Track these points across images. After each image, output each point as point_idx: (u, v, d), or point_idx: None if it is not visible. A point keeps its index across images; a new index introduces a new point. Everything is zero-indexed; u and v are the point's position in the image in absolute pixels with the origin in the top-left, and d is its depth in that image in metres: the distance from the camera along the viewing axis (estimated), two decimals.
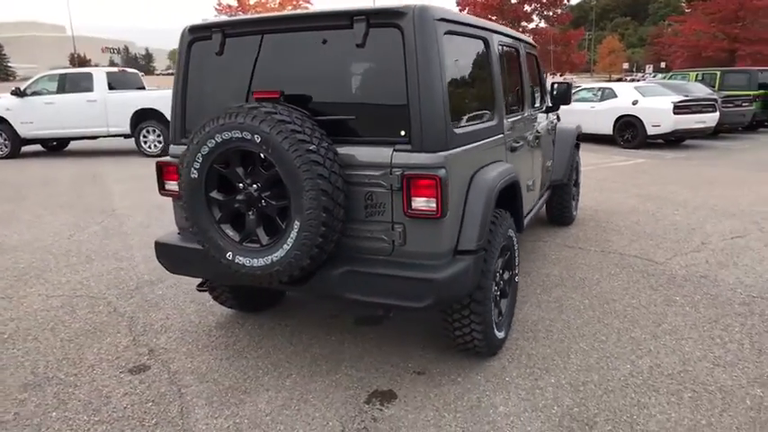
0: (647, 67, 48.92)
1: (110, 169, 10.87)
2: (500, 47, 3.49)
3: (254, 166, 2.58)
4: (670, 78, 16.36)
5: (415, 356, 3.23)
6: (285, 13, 2.78)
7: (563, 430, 2.56)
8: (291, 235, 2.49)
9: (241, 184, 2.61)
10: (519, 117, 3.78)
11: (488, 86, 3.26)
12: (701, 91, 13.21)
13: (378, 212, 2.63)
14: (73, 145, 14.31)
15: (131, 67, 24.82)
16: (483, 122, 3.10)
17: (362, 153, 2.60)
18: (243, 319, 3.82)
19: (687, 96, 11.93)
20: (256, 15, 2.93)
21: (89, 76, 12.83)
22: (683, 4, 64.42)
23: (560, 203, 5.59)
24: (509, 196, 3.20)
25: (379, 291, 2.61)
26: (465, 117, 2.89)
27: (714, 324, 3.56)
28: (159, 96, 12.56)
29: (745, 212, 6.33)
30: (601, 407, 2.72)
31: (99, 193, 8.54)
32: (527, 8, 25.21)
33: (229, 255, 2.67)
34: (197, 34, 2.99)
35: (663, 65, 46.43)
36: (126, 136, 12.70)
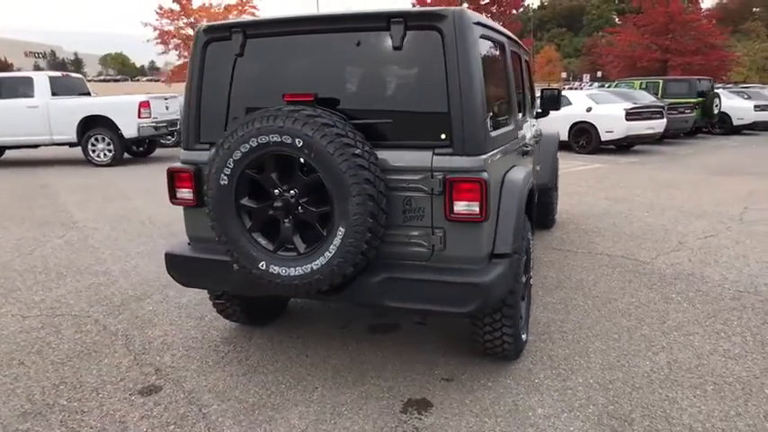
0: (585, 76, 51.10)
1: (57, 180, 10.27)
2: (511, 51, 3.53)
3: (292, 171, 2.48)
4: (616, 87, 17.12)
5: (440, 363, 3.19)
6: (316, 13, 2.70)
7: (604, 428, 2.58)
8: (334, 242, 2.41)
9: (277, 190, 2.50)
10: (526, 122, 3.83)
11: (506, 91, 3.28)
12: (646, 99, 13.90)
13: (416, 217, 2.58)
14: (8, 155, 13.42)
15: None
16: (505, 126, 3.12)
17: (400, 157, 2.55)
18: (248, 332, 3.66)
19: (637, 104, 12.52)
20: (283, 15, 2.83)
21: (29, 81, 12.06)
22: (615, 17, 67.99)
23: (544, 207, 5.70)
24: (529, 199, 3.23)
25: (420, 297, 2.55)
26: (494, 121, 2.90)
27: (714, 319, 3.71)
28: (108, 103, 12.01)
29: (710, 213, 6.67)
30: (633, 403, 2.76)
31: (52, 205, 8.02)
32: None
33: (262, 264, 2.55)
34: (214, 35, 2.85)
35: (599, 74, 48.60)
36: (72, 144, 12.04)
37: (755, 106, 16.35)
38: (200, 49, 2.88)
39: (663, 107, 12.80)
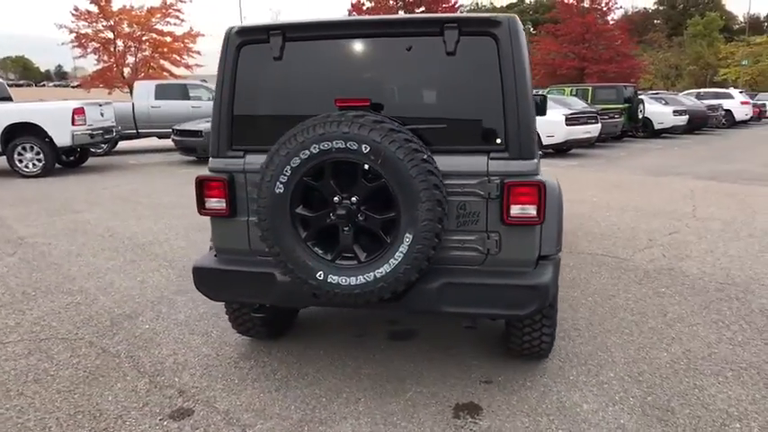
0: None
1: None
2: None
3: (354, 178, 2.42)
4: (549, 93, 17.95)
5: (473, 366, 3.21)
6: (364, 18, 2.65)
7: (650, 418, 2.70)
8: (401, 249, 2.37)
9: (336, 198, 2.43)
10: None
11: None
12: (579, 105, 14.68)
13: (471, 222, 2.59)
14: None
15: None
16: None
17: (455, 162, 2.55)
18: (265, 347, 3.52)
19: (574, 109, 13.20)
20: (326, 18, 2.76)
21: None
22: (531, 27, 71.32)
23: None
24: None
25: (480, 302, 2.57)
26: None
27: (707, 310, 3.97)
28: (38, 109, 11.17)
29: (665, 212, 7.14)
30: (668, 393, 2.91)
31: None
32: None
33: (320, 275, 2.47)
34: (248, 37, 2.73)
35: None
36: None
37: (674, 111, 17.73)
38: (232, 51, 2.75)
39: (596, 113, 13.58)
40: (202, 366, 3.29)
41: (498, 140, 2.55)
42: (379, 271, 2.41)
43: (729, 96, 23.28)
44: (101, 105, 12.09)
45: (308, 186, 2.45)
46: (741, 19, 58.31)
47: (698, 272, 4.76)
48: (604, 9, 36.05)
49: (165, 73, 30.99)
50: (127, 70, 29.41)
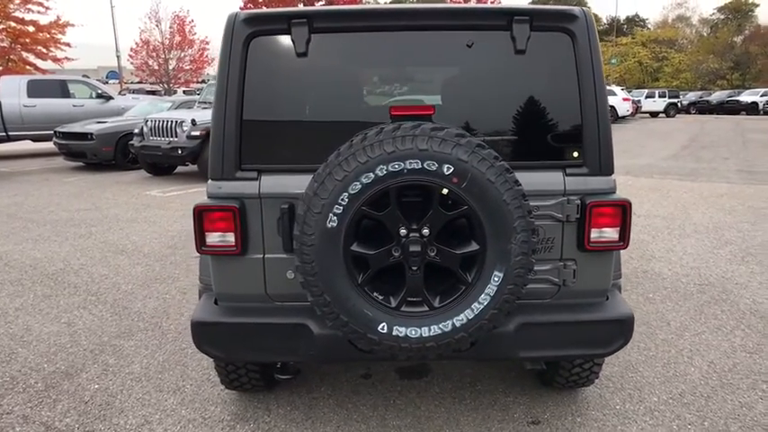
0: None
1: None
2: None
3: (426, 205, 1.94)
4: None
5: (510, 405, 2.85)
6: (412, 6, 2.15)
7: None
8: (487, 290, 1.94)
9: (403, 230, 1.94)
10: None
11: None
12: None
13: (545, 249, 2.22)
14: None
15: None
16: None
17: (526, 180, 2.13)
18: (261, 402, 2.91)
19: None
20: (364, 6, 2.22)
21: None
22: None
23: None
24: None
25: (560, 343, 2.21)
26: None
27: (702, 314, 3.95)
28: None
29: None
30: (719, 414, 2.75)
31: None
32: None
33: (382, 327, 1.97)
34: (260, 26, 2.14)
35: None
36: None
37: None
38: (238, 45, 2.14)
39: None
40: None
41: (575, 154, 2.19)
42: (459, 318, 1.96)
43: (613, 93, 25.10)
44: None
45: (367, 218, 1.94)
46: (605, 21, 63.76)
47: (671, 273, 4.79)
48: None
49: (28, 67, 27.73)
50: None
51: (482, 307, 1.95)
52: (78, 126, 11.45)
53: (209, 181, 2.23)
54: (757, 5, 55.64)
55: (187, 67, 35.19)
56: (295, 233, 1.93)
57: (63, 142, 11.36)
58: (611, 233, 2.20)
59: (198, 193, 8.73)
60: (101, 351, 3.51)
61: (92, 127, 11.21)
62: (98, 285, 4.69)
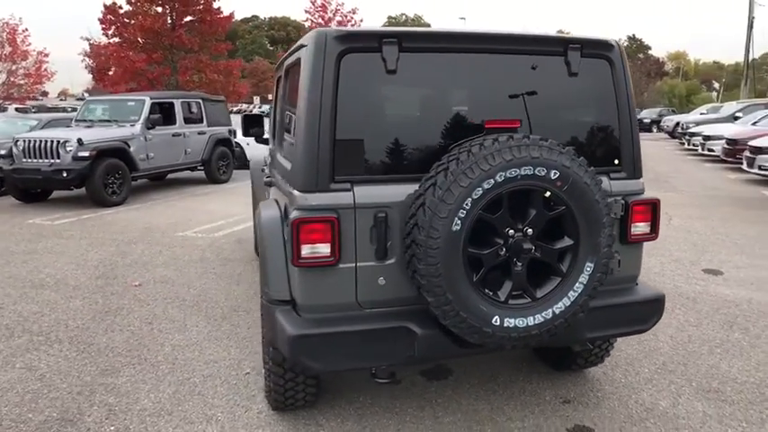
0: (255, 98, 53.90)
1: None
2: None
3: (530, 207, 2.17)
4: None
5: (537, 390, 3.15)
6: (487, 30, 2.36)
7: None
8: (581, 279, 2.23)
9: (511, 230, 2.15)
10: None
11: None
12: None
13: None
14: None
15: None
16: None
17: None
18: (308, 419, 2.88)
19: None
20: (447, 29, 2.38)
21: None
22: (267, 43, 72.75)
23: None
24: None
25: (613, 323, 2.57)
26: None
27: (704, 326, 4.05)
28: None
29: None
30: (699, 375, 3.29)
31: None
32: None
33: (495, 320, 2.15)
34: (352, 44, 2.22)
35: (269, 97, 51.90)
36: None
37: None
38: (331, 61, 2.20)
39: None
40: None
41: (616, 161, 2.58)
42: (558, 306, 2.22)
43: None
44: None
45: (481, 221, 2.12)
46: None
47: (672, 283, 5.00)
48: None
49: None
50: None
51: (577, 294, 2.23)
52: None
53: (296, 193, 2.25)
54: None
55: (21, 82, 31.40)
56: (420, 238, 2.05)
57: None
58: (644, 227, 2.61)
59: (94, 218, 7.97)
60: (91, 392, 3.18)
61: None
62: (37, 324, 4.17)
